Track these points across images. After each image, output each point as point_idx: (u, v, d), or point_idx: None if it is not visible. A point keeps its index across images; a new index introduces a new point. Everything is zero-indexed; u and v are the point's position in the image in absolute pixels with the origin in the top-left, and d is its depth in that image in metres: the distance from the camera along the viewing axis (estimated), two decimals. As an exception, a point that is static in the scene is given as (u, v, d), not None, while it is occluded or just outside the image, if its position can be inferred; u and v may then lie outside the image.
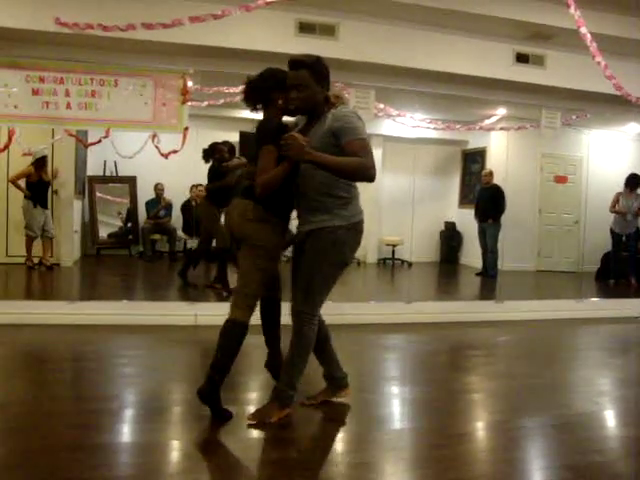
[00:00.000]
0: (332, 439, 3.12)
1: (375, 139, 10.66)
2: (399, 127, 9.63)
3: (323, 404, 3.46)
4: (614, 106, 6.51)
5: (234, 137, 10.67)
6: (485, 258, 9.06)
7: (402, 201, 10.85)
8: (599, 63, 5.02)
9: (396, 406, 3.75)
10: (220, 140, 7.01)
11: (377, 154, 10.21)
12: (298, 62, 3.08)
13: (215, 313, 5.52)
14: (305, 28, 5.17)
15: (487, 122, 9.07)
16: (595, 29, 5.27)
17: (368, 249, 10.31)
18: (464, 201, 11.09)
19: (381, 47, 5.41)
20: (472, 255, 10.15)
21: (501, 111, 8.80)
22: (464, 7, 5.25)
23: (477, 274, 9.18)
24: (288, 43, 5.15)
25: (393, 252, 10.60)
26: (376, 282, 9.11)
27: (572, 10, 4.42)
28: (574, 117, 7.45)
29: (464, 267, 10.62)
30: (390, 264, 10.57)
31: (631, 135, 10.67)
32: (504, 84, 6.08)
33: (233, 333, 3.17)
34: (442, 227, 11.30)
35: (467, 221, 9.98)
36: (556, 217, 10.47)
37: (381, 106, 6.91)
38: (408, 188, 11.15)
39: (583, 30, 4.66)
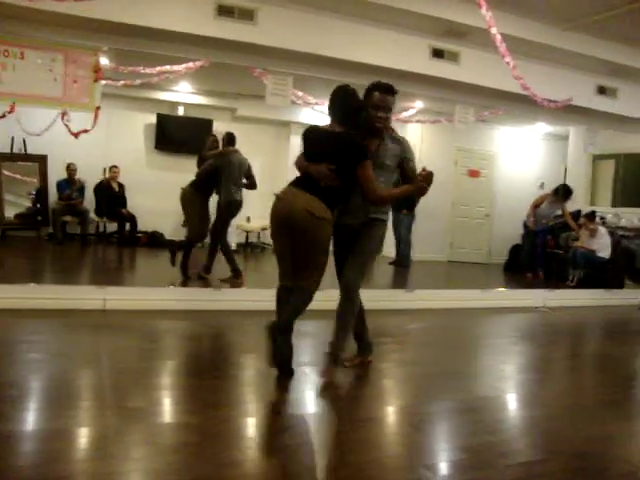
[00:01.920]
0: (238, 425, 3.13)
1: (294, 127, 10.69)
2: (318, 115, 9.66)
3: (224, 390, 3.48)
4: (523, 105, 6.77)
5: (151, 119, 10.47)
6: (399, 248, 9.26)
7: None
8: (508, 63, 5.21)
9: (304, 392, 3.80)
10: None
11: (296, 142, 10.24)
12: (393, 89, 3.82)
13: (125, 297, 5.47)
14: (224, 11, 5.09)
15: (404, 114, 9.24)
16: (507, 31, 5.48)
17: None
18: (380, 191, 11.25)
19: (300, 34, 5.41)
20: (386, 245, 10.31)
21: (418, 104, 8.99)
22: (384, 0, 5.32)
23: (390, 263, 9.38)
24: (206, 26, 5.08)
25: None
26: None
27: (484, 11, 4.56)
28: (486, 113, 7.71)
29: (378, 256, 10.79)
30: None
31: (540, 134, 11.13)
32: (420, 78, 6.21)
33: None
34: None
35: (382, 211, 10.16)
36: (468, 210, 10.82)
37: (300, 94, 6.92)
38: (326, 177, 11.21)
39: (494, 31, 4.82)
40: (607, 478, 2.81)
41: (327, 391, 3.82)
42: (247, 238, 10.71)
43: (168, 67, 6.41)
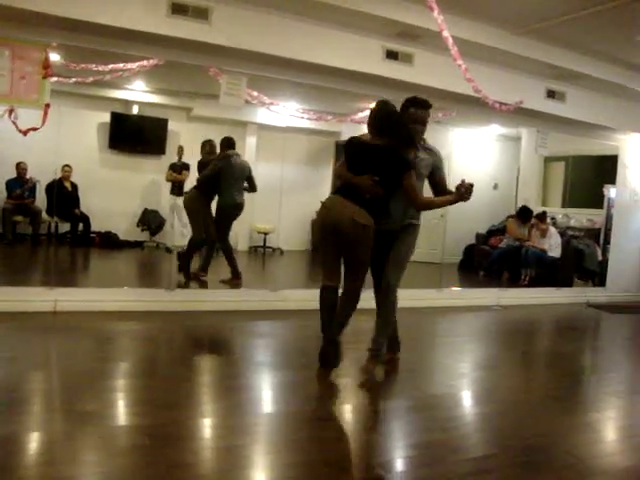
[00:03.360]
0: (190, 426, 3.12)
1: (250, 127, 10.66)
2: (274, 116, 9.67)
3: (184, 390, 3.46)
4: (476, 107, 6.86)
5: (105, 117, 10.30)
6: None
7: (275, 189, 10.89)
8: (460, 66, 5.29)
9: (261, 391, 3.81)
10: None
11: (252, 142, 10.25)
12: (427, 104, 4.12)
13: (76, 299, 5.38)
14: (177, 9, 5.03)
15: (360, 115, 9.29)
16: (460, 34, 5.54)
17: (239, 236, 10.28)
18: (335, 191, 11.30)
19: (254, 34, 5.38)
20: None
21: (373, 105, 9.03)
22: (338, 1, 5.33)
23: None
24: (159, 24, 5.01)
25: (265, 240, 10.66)
26: (246, 270, 9.12)
27: (435, 14, 4.62)
28: (440, 115, 7.80)
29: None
30: (261, 252, 10.63)
31: (493, 135, 11.32)
32: (375, 79, 6.24)
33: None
34: (314, 216, 11.46)
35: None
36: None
37: (255, 94, 6.90)
38: (281, 177, 11.21)
39: (445, 34, 4.88)
40: (551, 470, 2.89)
41: (281, 391, 3.83)
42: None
43: (121, 65, 6.30)
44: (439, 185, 4.25)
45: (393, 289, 4.23)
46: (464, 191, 3.80)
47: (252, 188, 7.40)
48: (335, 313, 4.16)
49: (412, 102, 4.13)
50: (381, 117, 4.05)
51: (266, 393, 3.82)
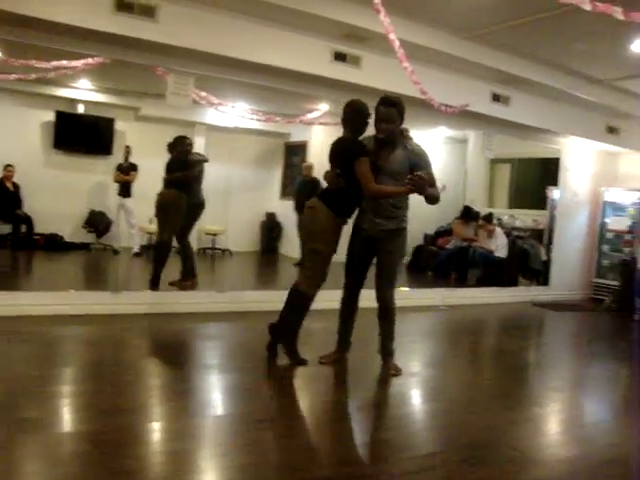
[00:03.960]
0: (135, 432, 3.07)
1: (198, 127, 10.56)
2: (223, 117, 9.61)
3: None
4: (423, 109, 6.92)
5: (49, 116, 10.05)
6: (303, 249, 9.29)
7: (224, 191, 10.83)
8: (406, 68, 5.35)
9: (208, 394, 3.78)
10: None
11: (201, 143, 10.14)
12: (391, 101, 4.18)
13: (17, 303, 5.24)
14: (123, 6, 4.93)
15: (309, 116, 9.31)
16: (407, 37, 5.60)
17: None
18: (285, 192, 11.33)
19: (202, 34, 5.32)
20: (291, 246, 10.39)
21: (323, 107, 9.07)
22: (286, 2, 5.33)
23: (295, 264, 9.41)
24: (104, 20, 4.90)
25: (213, 241, 10.57)
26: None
27: (382, 17, 4.66)
28: (388, 117, 7.86)
29: (283, 257, 10.86)
30: (210, 253, 10.54)
31: (441, 137, 11.49)
32: (323, 81, 6.25)
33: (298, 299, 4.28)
34: (263, 217, 11.45)
35: (288, 212, 10.20)
36: (372, 212, 11.01)
37: (203, 94, 6.85)
38: (230, 178, 11.15)
39: (392, 36, 4.93)
40: (494, 464, 2.95)
41: (229, 394, 3.81)
42: (150, 240, 10.46)
43: (65, 62, 6.15)
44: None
45: (388, 301, 4.34)
46: (415, 182, 3.91)
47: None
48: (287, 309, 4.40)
49: (380, 101, 4.24)
50: (345, 113, 4.31)
51: (213, 396, 3.79)
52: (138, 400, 3.52)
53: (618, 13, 4.21)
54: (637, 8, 4.25)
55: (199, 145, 10.42)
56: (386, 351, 4.40)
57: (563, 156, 9.28)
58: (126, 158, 9.67)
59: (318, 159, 10.05)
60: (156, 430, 3.10)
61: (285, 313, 4.34)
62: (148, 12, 5.08)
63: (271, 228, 11.36)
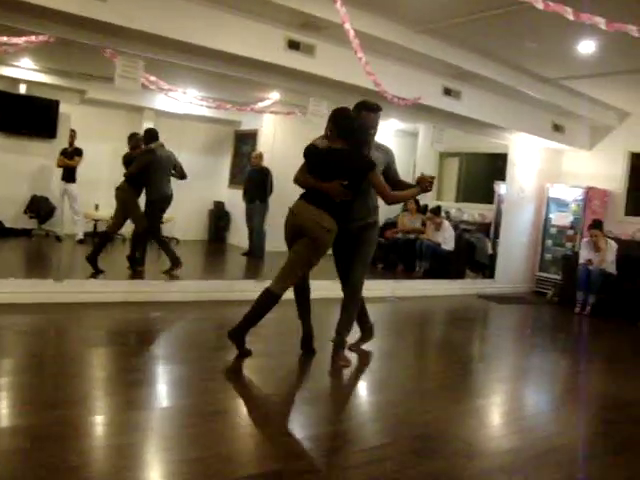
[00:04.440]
0: (76, 425, 2.97)
1: (147, 113, 10.34)
2: (173, 102, 9.41)
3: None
4: (376, 101, 6.94)
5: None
6: (252, 239, 9.24)
7: (172, 178, 10.61)
8: (360, 59, 5.33)
9: (155, 385, 3.70)
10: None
11: (149, 128, 9.88)
12: (378, 108, 4.41)
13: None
14: (70, -16, 4.76)
15: (260, 105, 9.21)
16: (362, 28, 5.58)
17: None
18: (234, 181, 11.21)
19: (153, 16, 5.17)
20: (239, 235, 10.29)
21: (274, 95, 8.99)
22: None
23: (243, 254, 9.35)
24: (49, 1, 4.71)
25: (161, 229, 10.36)
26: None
27: (338, 6, 4.62)
28: (340, 108, 7.85)
29: (231, 247, 10.76)
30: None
31: (392, 130, 11.54)
32: (276, 69, 6.18)
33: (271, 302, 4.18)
34: (211, 206, 11.31)
35: (236, 201, 10.10)
36: (322, 202, 11.00)
37: (152, 78, 6.68)
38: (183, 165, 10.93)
39: (347, 26, 4.90)
40: (442, 456, 2.98)
41: (176, 385, 3.74)
42: (95, 227, 10.22)
43: (5, 39, 5.89)
44: (394, 179, 4.49)
45: (358, 289, 4.50)
46: (427, 184, 4.22)
47: (182, 176, 7.49)
48: (302, 303, 4.47)
49: (364, 106, 4.37)
50: (342, 122, 4.20)
51: (160, 387, 3.71)
52: (80, 392, 3.41)
53: (569, 13, 4.28)
54: (587, 10, 4.34)
55: (147, 131, 10.19)
56: (338, 341, 4.46)
57: (510, 152, 9.45)
58: (71, 142, 9.37)
59: (268, 148, 9.99)
60: (99, 424, 3.01)
61: (252, 315, 4.23)
62: (96, -8, 4.90)
63: (219, 217, 11.23)
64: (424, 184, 4.30)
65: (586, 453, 3.24)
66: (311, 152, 4.28)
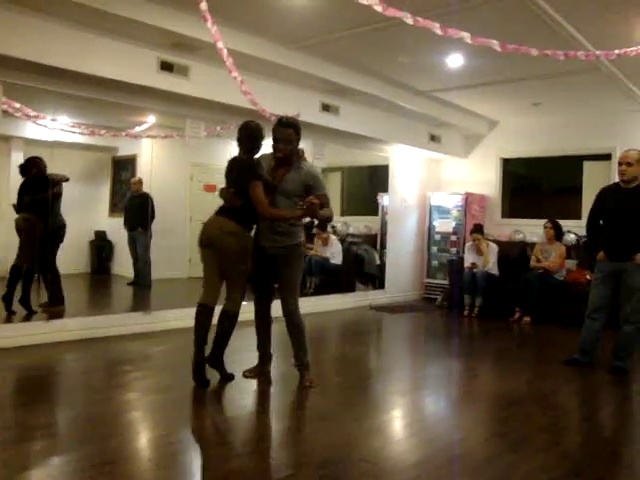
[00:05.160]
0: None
1: (15, 142, 9.72)
2: (43, 130, 8.90)
3: None
4: (255, 119, 6.87)
5: None
6: (137, 267, 8.90)
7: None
8: (235, 78, 5.25)
9: (39, 438, 3.39)
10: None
11: (18, 158, 9.32)
12: (288, 123, 4.40)
13: None
14: None
15: (137, 129, 8.90)
16: (237, 47, 5.54)
17: (9, 260, 9.32)
18: (115, 209, 10.74)
19: (11, 37, 4.83)
20: (124, 265, 9.87)
21: (151, 119, 8.70)
22: (110, 8, 5.00)
23: (129, 284, 8.98)
24: None
25: (37, 264, 9.77)
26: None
27: (209, 24, 4.52)
28: (219, 128, 7.73)
29: (117, 277, 10.30)
30: (36, 278, 9.72)
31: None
32: (150, 91, 5.97)
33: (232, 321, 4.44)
34: (92, 236, 10.79)
35: (118, 230, 9.68)
36: (206, 224, 10.75)
37: (17, 105, 6.27)
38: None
39: (219, 45, 4.80)
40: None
41: (65, 436, 3.45)
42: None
43: None
44: (320, 201, 4.31)
45: (293, 314, 4.56)
46: (308, 207, 4.14)
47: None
48: (206, 332, 4.43)
49: (277, 121, 4.44)
50: (241, 134, 4.44)
51: (43, 441, 3.40)
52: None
53: (437, 28, 4.41)
54: (454, 25, 4.49)
55: (16, 161, 9.59)
56: (300, 363, 4.60)
57: (391, 163, 9.67)
58: None
59: (148, 174, 9.65)
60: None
61: (220, 339, 4.44)
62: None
63: (101, 247, 10.73)
64: (306, 207, 4.17)
65: (487, 455, 3.28)
66: (228, 163, 4.55)
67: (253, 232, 4.56)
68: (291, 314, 4.54)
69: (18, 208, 6.75)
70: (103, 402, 4.02)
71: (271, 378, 4.78)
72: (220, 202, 4.59)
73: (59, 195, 6.89)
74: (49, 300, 6.50)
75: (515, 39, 4.87)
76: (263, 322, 4.77)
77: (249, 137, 4.40)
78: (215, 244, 4.35)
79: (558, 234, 8.40)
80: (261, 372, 4.78)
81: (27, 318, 6.30)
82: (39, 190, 6.70)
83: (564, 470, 3.12)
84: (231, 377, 4.53)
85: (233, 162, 4.46)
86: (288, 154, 4.40)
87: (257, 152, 4.44)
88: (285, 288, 4.54)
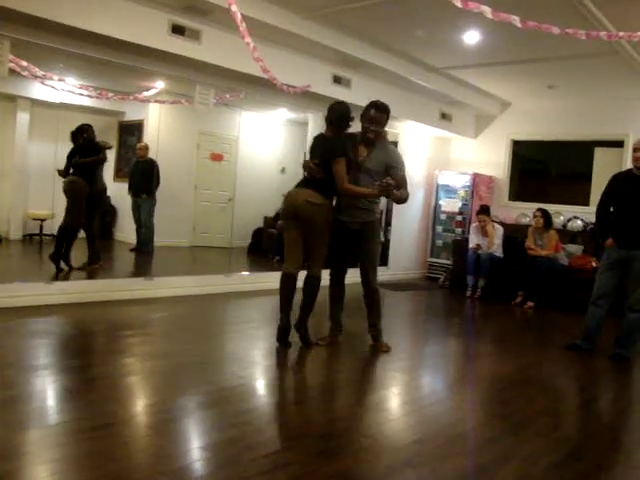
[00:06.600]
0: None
1: (21, 102, 9.63)
2: (50, 91, 8.80)
3: None
4: (264, 89, 6.79)
5: None
6: (140, 233, 8.86)
7: (50, 172, 9.95)
8: (248, 44, 5.14)
9: (44, 400, 3.37)
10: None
11: (24, 119, 9.26)
12: (384, 107, 4.77)
13: None
14: None
15: (145, 94, 8.80)
16: (250, 13, 5.42)
17: (12, 224, 9.30)
18: (120, 174, 10.67)
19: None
20: (127, 230, 9.83)
21: (159, 84, 8.61)
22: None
23: (132, 250, 8.94)
24: None
25: (41, 227, 9.73)
26: (21, 261, 8.31)
27: (224, -14, 4.41)
28: (228, 96, 7.63)
29: (119, 243, 10.26)
30: (38, 240, 9.69)
31: (281, 120, 11.40)
32: (159, 55, 5.87)
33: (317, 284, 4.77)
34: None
35: (122, 195, 9.62)
36: (212, 194, 10.70)
37: (24, 63, 6.17)
38: (59, 159, 10.27)
39: (234, 8, 4.70)
40: (348, 455, 2.88)
41: (58, 399, 3.43)
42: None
43: None
44: (397, 182, 4.56)
45: (374, 288, 4.93)
46: (384, 187, 4.34)
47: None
48: (292, 298, 4.75)
49: (373, 105, 4.74)
50: (331, 113, 4.74)
51: (42, 403, 3.38)
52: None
53: (457, 1, 4.29)
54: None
55: (22, 122, 9.54)
56: (375, 331, 4.98)
57: (401, 140, 9.55)
58: None
59: (154, 139, 9.56)
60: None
61: (308, 302, 4.78)
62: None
63: (105, 212, 10.67)
64: (381, 188, 4.39)
65: (487, 437, 3.26)
66: (314, 138, 4.91)
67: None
68: (370, 283, 4.89)
69: (65, 172, 7.08)
70: (101, 365, 4.00)
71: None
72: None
73: (104, 160, 7.22)
74: (89, 260, 6.93)
75: (535, 17, 4.75)
76: (336, 294, 5.06)
77: (339, 117, 4.67)
78: (301, 215, 4.60)
79: (547, 222, 8.25)
80: (333, 341, 5.03)
81: (65, 277, 6.63)
82: (88, 155, 7.02)
83: (563, 454, 3.10)
84: (311, 343, 4.84)
85: (320, 138, 4.80)
86: (377, 136, 4.72)
87: (345, 131, 4.72)
88: (368, 264, 4.86)
